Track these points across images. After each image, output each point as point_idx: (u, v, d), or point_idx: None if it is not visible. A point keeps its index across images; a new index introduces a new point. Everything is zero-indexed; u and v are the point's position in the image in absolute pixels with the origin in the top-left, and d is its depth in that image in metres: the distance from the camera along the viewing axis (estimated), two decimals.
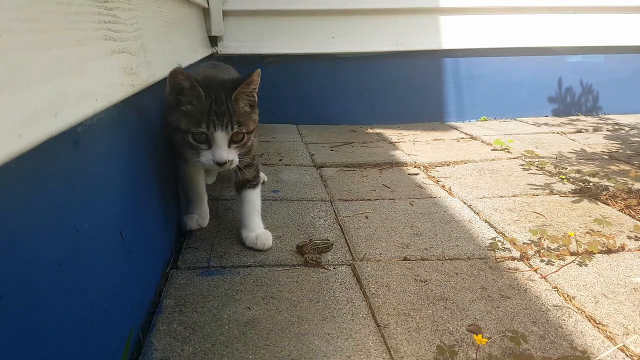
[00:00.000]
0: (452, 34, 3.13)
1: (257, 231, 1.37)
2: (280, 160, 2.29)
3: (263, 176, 1.93)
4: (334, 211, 1.66)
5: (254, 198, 1.39)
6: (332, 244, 1.37)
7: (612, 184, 1.85)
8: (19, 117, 0.52)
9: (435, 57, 3.17)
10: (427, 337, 0.98)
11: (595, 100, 3.41)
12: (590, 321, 1.05)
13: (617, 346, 0.95)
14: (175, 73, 1.12)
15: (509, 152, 2.41)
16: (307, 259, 1.29)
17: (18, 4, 0.55)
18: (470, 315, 1.06)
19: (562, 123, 3.15)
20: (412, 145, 2.58)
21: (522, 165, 2.18)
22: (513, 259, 1.32)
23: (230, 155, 1.18)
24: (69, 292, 0.69)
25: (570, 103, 3.39)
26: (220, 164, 1.17)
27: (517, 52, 3.23)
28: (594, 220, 1.53)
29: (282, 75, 3.07)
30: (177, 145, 1.23)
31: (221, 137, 1.15)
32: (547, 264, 1.29)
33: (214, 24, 2.81)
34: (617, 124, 3.11)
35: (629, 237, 1.44)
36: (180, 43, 1.68)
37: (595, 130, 2.94)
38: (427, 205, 1.71)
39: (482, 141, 2.67)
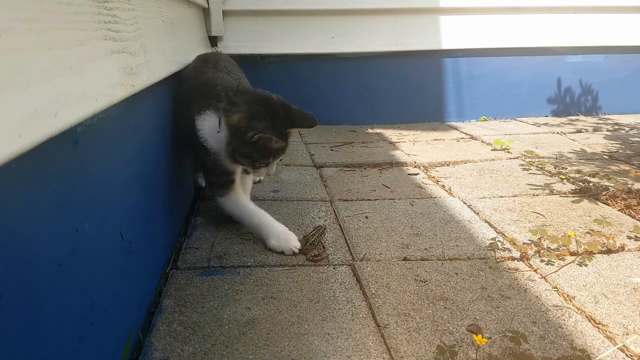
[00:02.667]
0: (452, 34, 3.12)
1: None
2: (280, 160, 2.29)
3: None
4: (334, 211, 1.66)
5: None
6: (324, 227, 1.43)
7: (612, 184, 1.85)
8: (19, 117, 0.52)
9: (435, 57, 3.17)
10: (427, 337, 0.98)
11: (595, 100, 3.41)
12: (590, 321, 1.05)
13: (617, 346, 0.95)
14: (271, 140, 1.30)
15: (509, 152, 2.41)
16: (310, 257, 1.31)
17: (18, 4, 0.55)
18: (470, 315, 1.06)
19: (562, 123, 3.15)
20: (412, 145, 2.58)
21: (522, 165, 2.18)
22: (513, 259, 1.32)
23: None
24: (69, 292, 0.69)
25: (570, 103, 3.39)
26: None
27: (517, 52, 3.23)
28: (594, 220, 1.53)
29: (282, 75, 3.07)
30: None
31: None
32: (547, 264, 1.29)
33: (214, 24, 2.81)
34: (617, 124, 3.11)
35: (629, 237, 1.44)
36: (180, 43, 1.68)
37: (595, 130, 2.94)
38: (427, 205, 1.71)
39: (482, 141, 2.67)
